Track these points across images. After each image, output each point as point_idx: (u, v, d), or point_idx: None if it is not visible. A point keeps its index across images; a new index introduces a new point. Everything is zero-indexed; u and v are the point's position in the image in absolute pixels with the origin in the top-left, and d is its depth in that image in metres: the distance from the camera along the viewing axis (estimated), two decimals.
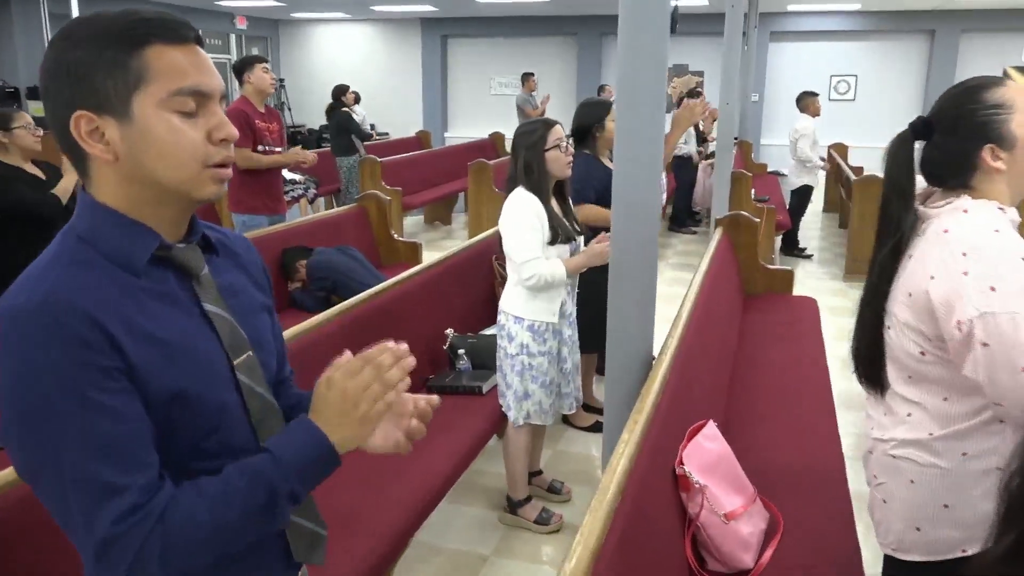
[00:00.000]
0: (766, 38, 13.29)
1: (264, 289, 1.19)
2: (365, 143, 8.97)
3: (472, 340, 3.45)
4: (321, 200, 8.79)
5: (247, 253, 1.19)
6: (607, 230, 3.18)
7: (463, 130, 15.36)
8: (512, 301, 2.90)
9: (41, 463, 0.88)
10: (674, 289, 5.58)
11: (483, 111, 15.53)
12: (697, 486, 2.02)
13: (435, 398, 1.15)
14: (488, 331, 3.86)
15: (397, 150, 9.82)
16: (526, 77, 10.48)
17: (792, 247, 7.64)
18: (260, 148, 4.78)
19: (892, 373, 1.65)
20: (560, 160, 2.90)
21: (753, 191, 7.32)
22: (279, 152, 4.94)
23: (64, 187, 3.47)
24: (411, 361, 1.03)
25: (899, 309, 1.58)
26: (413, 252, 5.37)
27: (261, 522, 0.96)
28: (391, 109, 15.40)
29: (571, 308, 3.06)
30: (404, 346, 1.03)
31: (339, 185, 8.67)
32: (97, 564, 0.89)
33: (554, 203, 2.93)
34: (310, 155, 5.14)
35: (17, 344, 0.87)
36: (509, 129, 11.91)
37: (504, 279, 4.25)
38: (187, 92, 0.95)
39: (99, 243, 0.96)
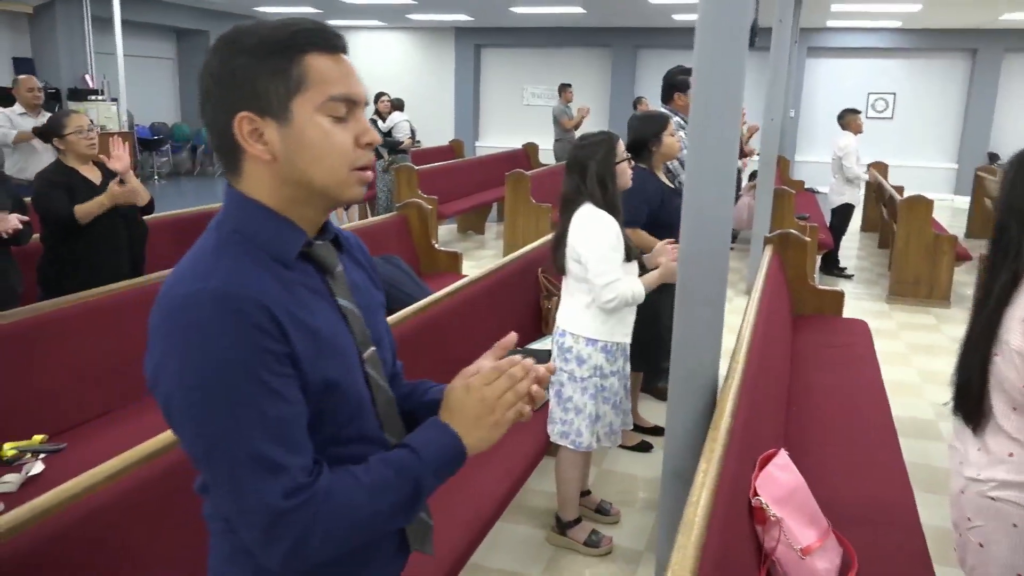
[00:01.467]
0: (804, 53, 13.16)
1: (379, 287, 1.24)
2: (398, 151, 8.90)
3: (519, 353, 3.37)
4: (355, 207, 8.78)
5: (363, 253, 1.24)
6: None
7: (494, 139, 15.36)
8: (582, 322, 2.80)
9: (215, 442, 0.92)
10: None
11: (515, 121, 15.52)
12: (773, 519, 1.94)
13: (552, 365, 1.18)
14: (535, 345, 3.79)
15: (431, 159, 9.80)
16: (563, 88, 10.43)
17: (832, 266, 7.51)
18: None
19: (996, 404, 1.58)
20: (626, 174, 2.83)
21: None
22: None
23: (86, 210, 3.34)
24: (542, 370, 1.11)
25: (1012, 337, 1.50)
26: (453, 262, 5.32)
27: (404, 513, 1.04)
28: (423, 117, 15.41)
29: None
30: (530, 361, 1.11)
31: (373, 192, 8.66)
32: (265, 538, 0.94)
33: None
34: None
35: (196, 328, 0.91)
36: (541, 139, 11.99)
37: (550, 292, 4.20)
38: (340, 98, 1.01)
39: (254, 236, 1.01)
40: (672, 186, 3.77)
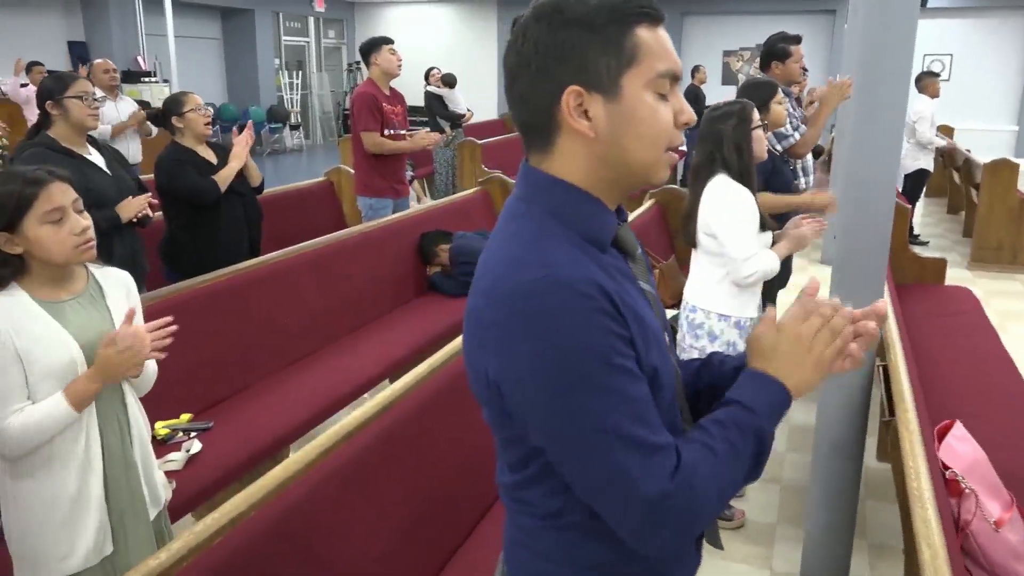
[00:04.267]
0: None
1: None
2: (454, 126, 8.84)
3: None
4: (415, 183, 8.78)
5: None
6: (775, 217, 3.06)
7: None
8: (714, 297, 2.75)
9: (584, 432, 0.89)
10: (798, 278, 5.37)
11: None
12: (968, 491, 1.91)
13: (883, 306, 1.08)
14: None
15: (482, 133, 9.74)
16: None
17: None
18: (387, 132, 4.75)
19: None
20: (762, 142, 2.77)
21: None
22: (404, 134, 4.91)
23: (225, 175, 3.46)
24: (871, 326, 1.03)
25: None
26: None
27: (754, 473, 0.99)
28: (466, 91, 15.28)
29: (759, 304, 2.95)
30: (836, 300, 1.03)
31: (432, 168, 8.65)
32: (649, 525, 0.91)
33: None
34: (435, 137, 5.10)
35: (547, 316, 0.88)
36: None
37: (652, 266, 4.17)
38: (666, 74, 0.96)
39: (572, 219, 0.97)
40: (777, 152, 3.70)
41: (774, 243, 2.79)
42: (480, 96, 15.32)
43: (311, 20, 15.38)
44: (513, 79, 0.98)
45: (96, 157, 3.14)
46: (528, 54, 0.95)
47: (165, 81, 11.20)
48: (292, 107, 14.68)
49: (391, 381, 3.92)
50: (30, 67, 6.98)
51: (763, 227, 2.75)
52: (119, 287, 1.85)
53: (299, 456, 1.73)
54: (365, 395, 3.30)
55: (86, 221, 1.72)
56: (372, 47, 4.77)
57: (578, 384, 0.88)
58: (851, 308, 1.03)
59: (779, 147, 3.79)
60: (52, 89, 3.03)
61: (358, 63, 15.66)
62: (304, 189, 5.37)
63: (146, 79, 11.06)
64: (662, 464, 0.90)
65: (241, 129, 3.70)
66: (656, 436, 0.91)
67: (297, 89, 14.87)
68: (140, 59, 11.56)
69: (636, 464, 0.89)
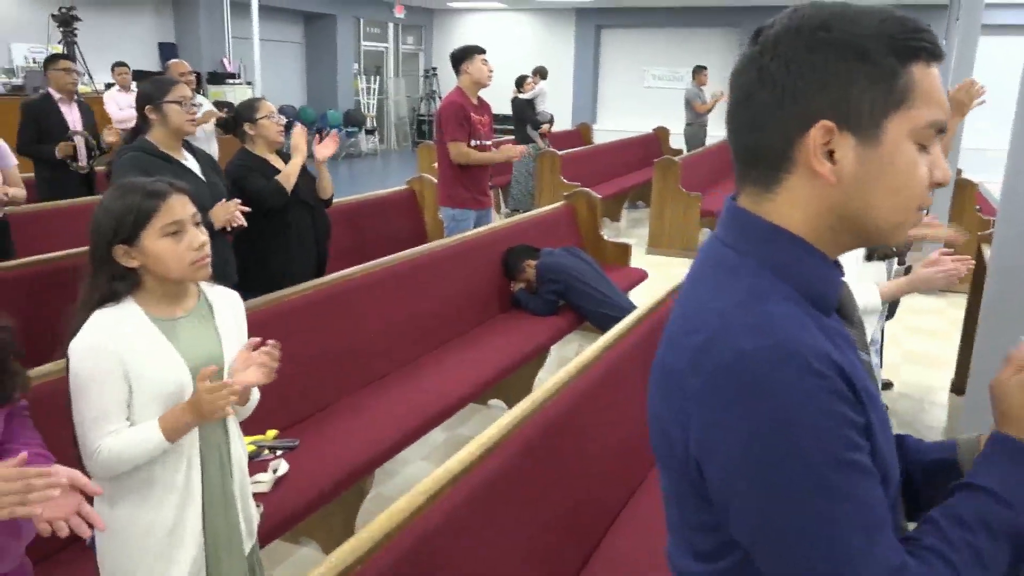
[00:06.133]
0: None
1: None
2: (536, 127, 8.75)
3: None
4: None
5: None
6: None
7: (612, 123, 15.03)
8: None
9: (800, 541, 0.75)
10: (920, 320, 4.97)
11: (634, 104, 15.15)
12: None
13: None
14: None
15: (559, 144, 9.62)
16: (698, 71, 10.03)
17: None
18: (473, 143, 4.66)
19: None
20: None
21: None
22: (489, 145, 4.81)
23: (289, 172, 3.33)
24: None
25: None
26: (623, 253, 5.12)
27: None
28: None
29: (878, 336, 2.72)
30: None
31: (509, 178, 8.54)
32: None
33: None
34: (521, 149, 4.98)
35: (767, 395, 0.74)
36: (660, 122, 11.61)
37: None
38: (935, 125, 0.81)
39: (794, 277, 0.83)
40: None
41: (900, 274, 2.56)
42: (555, 106, 15.20)
43: (390, 26, 15.51)
44: (747, 97, 0.83)
45: (192, 163, 3.11)
46: (775, 72, 0.80)
47: (248, 83, 11.40)
48: (368, 111, 14.82)
49: (484, 402, 3.85)
50: (115, 67, 7.13)
51: (873, 254, 2.48)
52: (227, 307, 1.77)
53: (427, 485, 1.61)
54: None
55: (204, 236, 1.64)
56: (464, 55, 4.68)
57: (804, 482, 0.74)
58: None
59: None
60: (152, 94, 3.01)
61: (435, 69, 15.74)
62: (385, 197, 5.31)
63: (230, 81, 11.27)
64: None
65: (320, 134, 3.61)
66: (892, 553, 0.76)
67: (374, 94, 15.01)
68: (225, 61, 11.80)
69: None
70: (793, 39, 0.80)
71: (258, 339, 1.66)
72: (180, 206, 1.62)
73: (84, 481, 1.28)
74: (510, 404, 4.08)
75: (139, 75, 9.55)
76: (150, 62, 11.00)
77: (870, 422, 0.78)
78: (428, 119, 15.38)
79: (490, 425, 1.88)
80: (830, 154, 0.80)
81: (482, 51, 4.72)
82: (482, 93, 4.79)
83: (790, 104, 0.80)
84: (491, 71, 4.74)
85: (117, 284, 1.58)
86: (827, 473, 0.73)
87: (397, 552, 1.46)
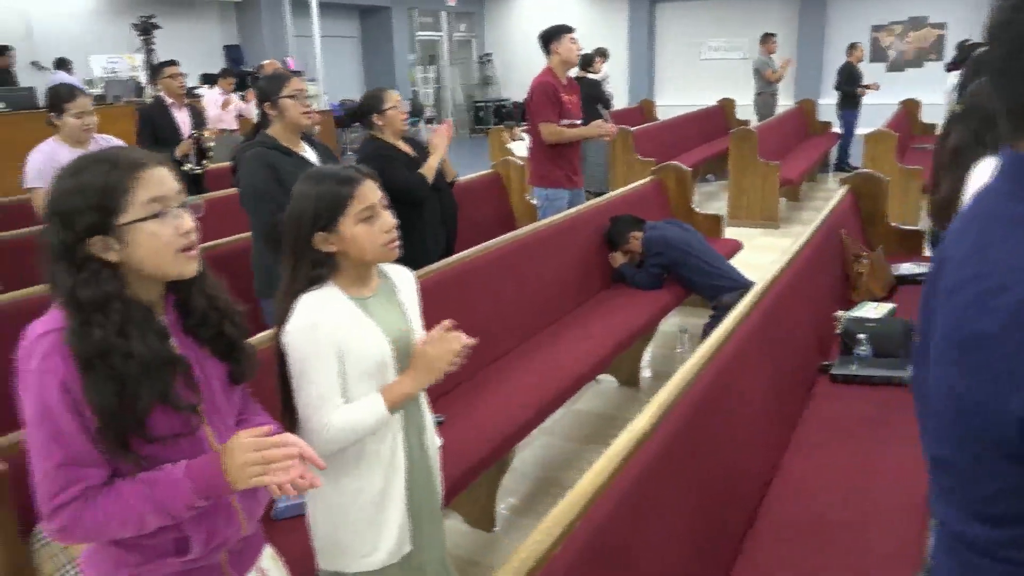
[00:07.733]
0: None
1: None
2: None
3: (872, 325, 3.13)
4: None
5: None
6: None
7: (670, 98, 14.86)
8: None
9: None
10: None
11: (692, 78, 14.96)
12: None
13: None
14: (858, 312, 3.53)
15: (624, 121, 9.56)
16: (766, 38, 9.84)
17: None
18: (563, 123, 4.68)
19: None
20: None
21: None
22: (579, 124, 4.82)
23: (430, 166, 3.47)
24: None
25: None
26: (714, 225, 5.09)
27: None
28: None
29: None
30: None
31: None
32: None
33: None
34: (611, 126, 4.98)
35: None
36: (732, 93, 11.43)
37: (858, 255, 3.91)
38: None
39: None
40: None
41: None
42: (612, 85, 15.09)
43: (443, 14, 15.58)
44: (1020, 51, 0.80)
45: (310, 154, 3.21)
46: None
47: (312, 80, 11.60)
48: (426, 101, 14.93)
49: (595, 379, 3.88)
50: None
51: None
52: (407, 283, 1.84)
53: (602, 464, 1.65)
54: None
55: (393, 219, 1.71)
56: (553, 35, 4.70)
57: None
58: None
59: None
60: (268, 90, 3.11)
61: (489, 55, 15.76)
62: (473, 181, 5.37)
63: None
64: None
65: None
66: None
67: (431, 83, 15.11)
68: (290, 59, 12.01)
69: None
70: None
71: (452, 321, 1.72)
72: (371, 191, 1.68)
73: (310, 452, 1.35)
74: (620, 379, 4.12)
75: (207, 78, 9.78)
76: (216, 63, 11.27)
77: None
78: (485, 105, 15.42)
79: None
80: None
81: (571, 30, 4.74)
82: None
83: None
84: (580, 50, 4.75)
85: (320, 270, 1.65)
86: None
87: (581, 540, 1.47)
